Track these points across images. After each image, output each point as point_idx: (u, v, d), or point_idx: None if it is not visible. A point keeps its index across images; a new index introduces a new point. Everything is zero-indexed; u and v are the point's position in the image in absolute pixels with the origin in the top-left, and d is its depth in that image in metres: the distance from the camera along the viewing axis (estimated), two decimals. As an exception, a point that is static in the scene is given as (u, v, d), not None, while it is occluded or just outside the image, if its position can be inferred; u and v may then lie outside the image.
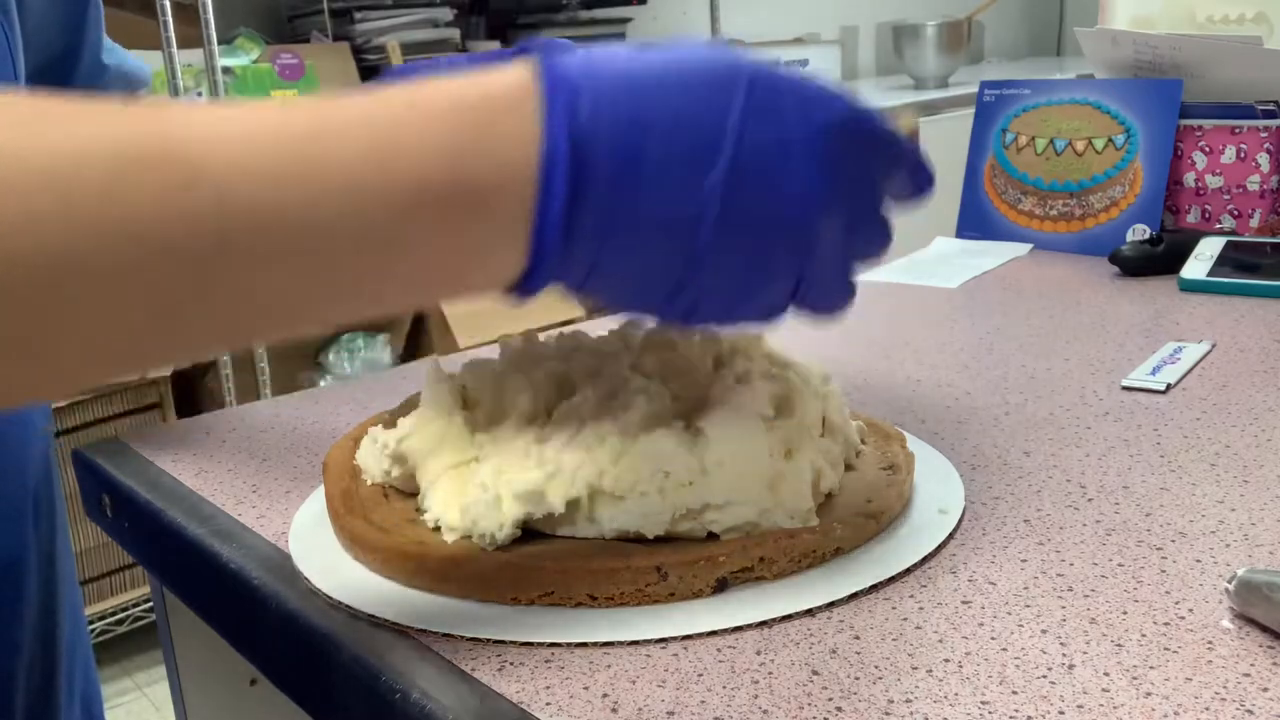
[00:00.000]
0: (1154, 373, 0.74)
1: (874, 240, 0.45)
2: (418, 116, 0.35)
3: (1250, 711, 0.39)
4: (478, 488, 0.50)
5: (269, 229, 0.34)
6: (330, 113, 0.35)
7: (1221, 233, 1.03)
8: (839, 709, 0.41)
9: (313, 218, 0.34)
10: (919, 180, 0.46)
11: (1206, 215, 1.08)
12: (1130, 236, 1.07)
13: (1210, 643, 0.44)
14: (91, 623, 1.97)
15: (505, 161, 0.36)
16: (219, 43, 1.95)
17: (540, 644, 0.46)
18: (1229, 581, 0.45)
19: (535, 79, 0.37)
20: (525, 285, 0.38)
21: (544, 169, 0.36)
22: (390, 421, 0.59)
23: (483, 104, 0.36)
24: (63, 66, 0.68)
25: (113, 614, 2.01)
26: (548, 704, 0.42)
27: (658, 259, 0.38)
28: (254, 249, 0.33)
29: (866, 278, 0.97)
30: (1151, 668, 0.42)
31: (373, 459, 0.56)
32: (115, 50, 0.72)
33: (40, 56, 0.65)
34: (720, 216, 0.38)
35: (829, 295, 0.45)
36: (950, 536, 0.53)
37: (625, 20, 2.75)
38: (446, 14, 2.43)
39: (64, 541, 0.71)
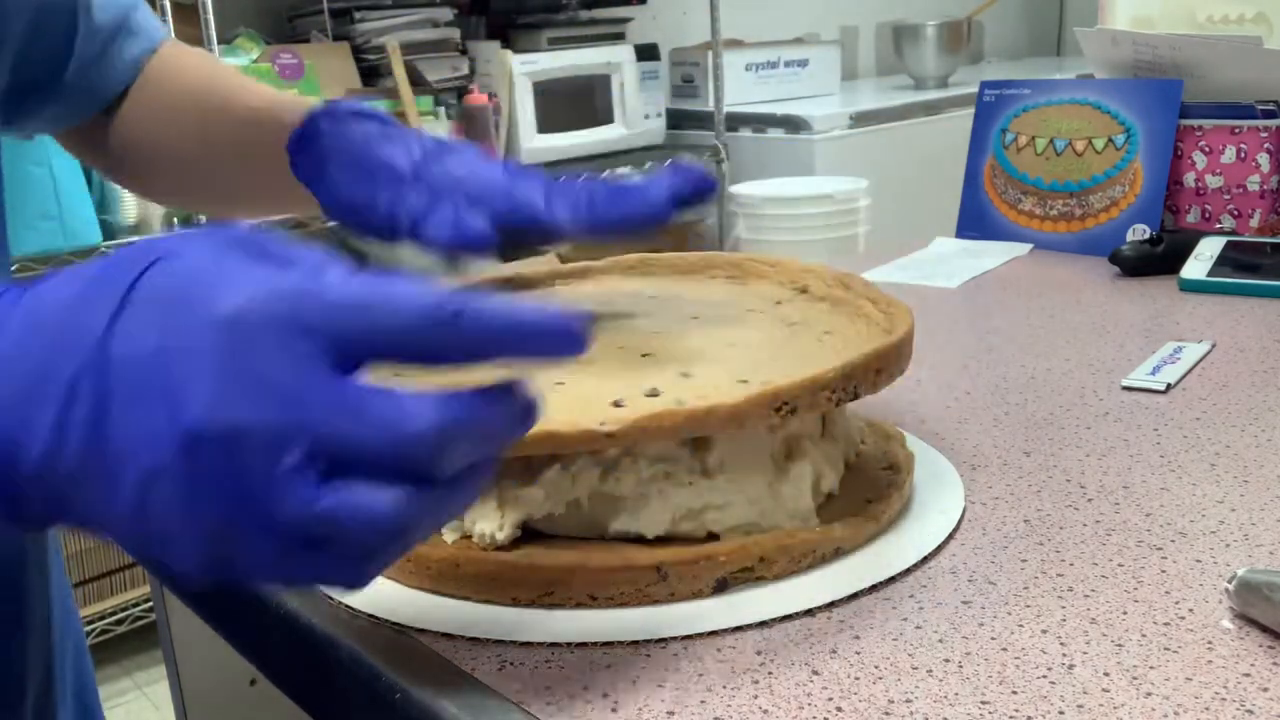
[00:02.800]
0: (1154, 373, 0.74)
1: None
2: None
3: (1250, 711, 0.39)
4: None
5: None
6: None
7: (1221, 233, 1.03)
8: (839, 709, 0.41)
9: None
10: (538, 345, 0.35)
11: (1206, 215, 1.08)
12: (1130, 236, 1.06)
13: (1210, 643, 0.44)
14: (91, 622, 1.97)
15: None
16: (219, 43, 1.95)
17: (540, 644, 0.46)
18: (1229, 581, 0.45)
19: None
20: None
21: None
22: None
23: None
24: (65, 33, 0.66)
25: (113, 614, 2.01)
26: (548, 704, 0.42)
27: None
28: None
29: (869, 278, 0.97)
30: (1151, 668, 0.42)
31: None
32: (115, 4, 0.70)
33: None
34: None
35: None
36: (950, 536, 0.53)
37: (625, 20, 2.75)
38: (446, 14, 2.43)
39: (55, 539, 0.72)
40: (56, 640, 0.68)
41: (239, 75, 0.75)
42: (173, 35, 0.76)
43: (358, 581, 0.34)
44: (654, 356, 0.55)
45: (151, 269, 0.33)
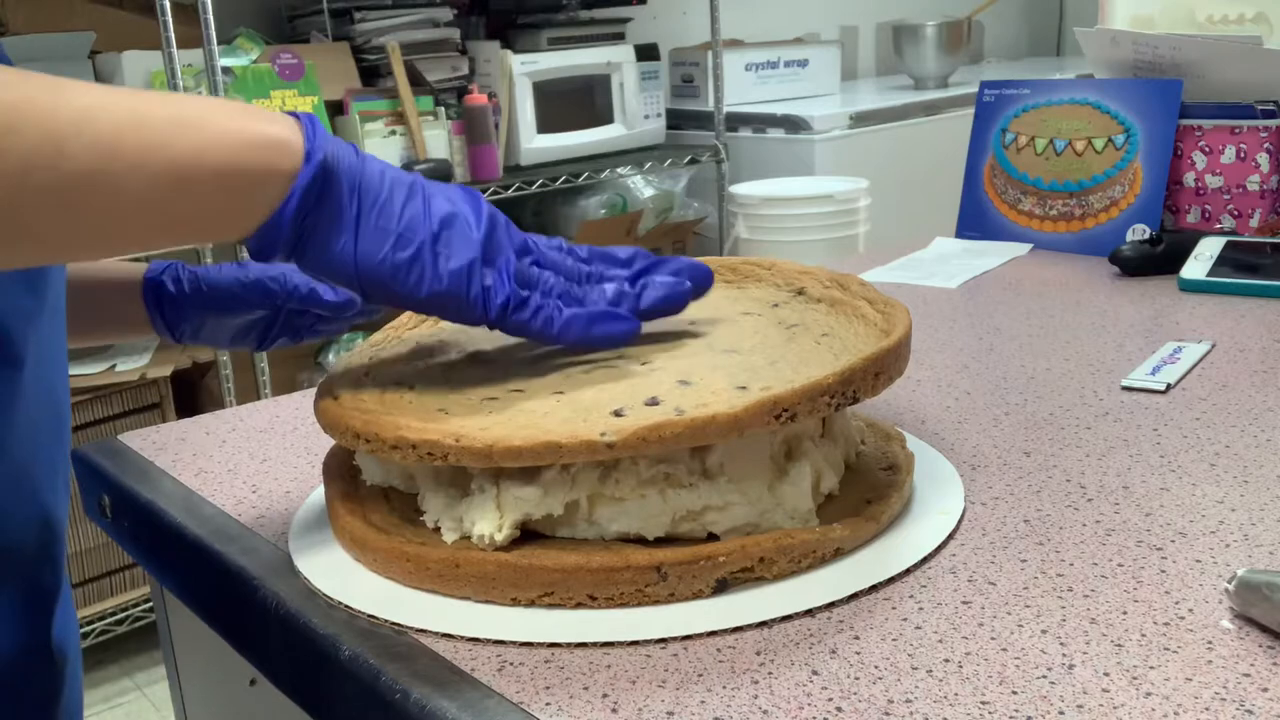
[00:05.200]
0: (1154, 373, 0.74)
1: None
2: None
3: (1250, 711, 0.39)
4: (477, 489, 0.50)
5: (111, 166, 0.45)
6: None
7: (1221, 233, 1.03)
8: (839, 709, 0.41)
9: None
10: None
11: (1206, 215, 1.08)
12: (1130, 236, 1.07)
13: (1210, 643, 0.44)
14: (91, 623, 1.97)
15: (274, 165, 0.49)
16: (219, 43, 1.94)
17: (540, 644, 0.46)
18: (1229, 581, 0.45)
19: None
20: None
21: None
22: None
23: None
24: None
25: (113, 614, 2.00)
26: (548, 704, 0.42)
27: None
28: (94, 181, 0.45)
29: (869, 278, 0.97)
30: (1151, 668, 0.42)
31: (372, 460, 0.56)
32: None
33: None
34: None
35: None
36: (950, 536, 0.53)
37: (625, 20, 2.75)
38: (446, 14, 2.43)
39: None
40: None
41: None
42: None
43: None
44: (653, 363, 0.55)
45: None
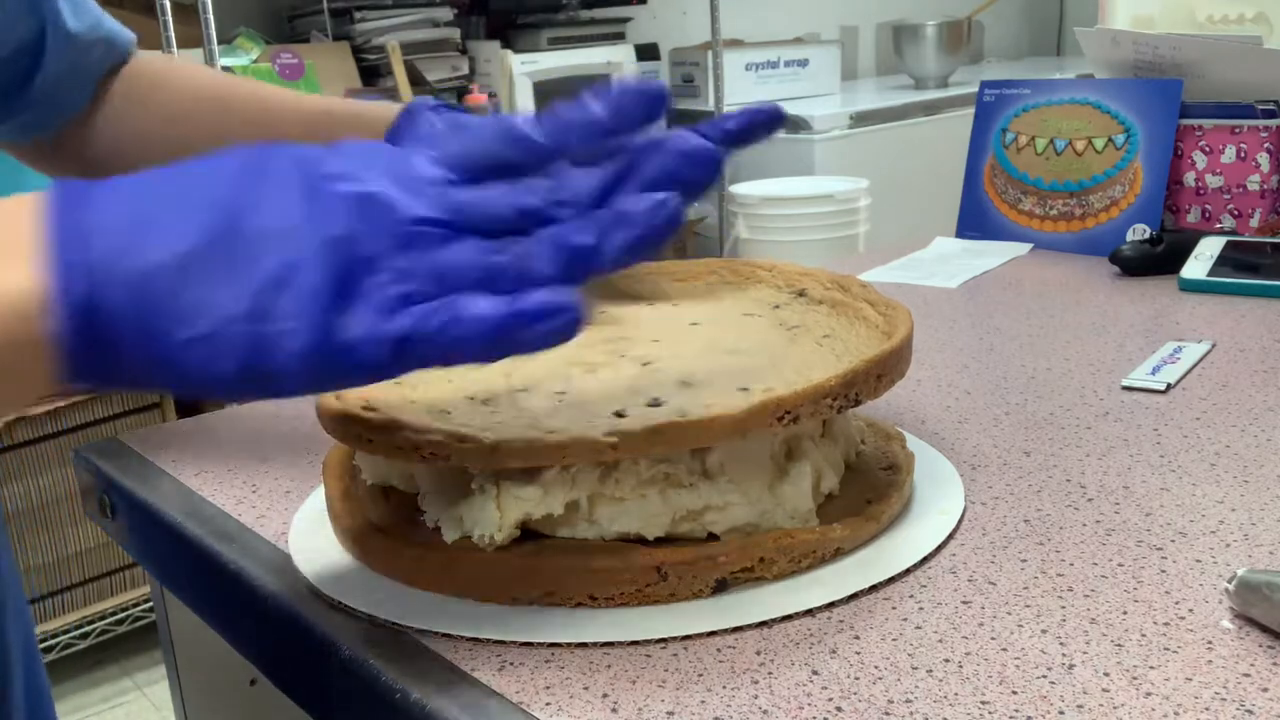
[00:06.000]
0: (1154, 373, 0.74)
1: None
2: None
3: (1250, 711, 0.39)
4: (477, 488, 0.50)
5: None
6: None
7: (1221, 233, 1.03)
8: (839, 709, 0.41)
9: None
10: None
11: (1206, 215, 1.08)
12: (1130, 236, 1.06)
13: (1210, 643, 0.44)
14: (91, 622, 1.97)
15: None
16: (219, 42, 1.95)
17: (540, 644, 0.46)
18: (1229, 581, 0.45)
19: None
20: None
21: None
22: None
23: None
24: (33, 48, 0.69)
25: (113, 614, 2.00)
26: (548, 704, 0.42)
27: None
28: None
29: (869, 278, 0.97)
30: (1151, 668, 0.42)
31: (372, 459, 0.56)
32: (87, 11, 0.71)
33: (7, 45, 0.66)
34: None
35: None
36: (950, 536, 0.53)
37: (625, 20, 2.75)
38: (446, 14, 2.43)
39: (6, 554, 0.70)
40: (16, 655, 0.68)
41: (259, 83, 0.78)
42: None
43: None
44: (654, 365, 0.55)
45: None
